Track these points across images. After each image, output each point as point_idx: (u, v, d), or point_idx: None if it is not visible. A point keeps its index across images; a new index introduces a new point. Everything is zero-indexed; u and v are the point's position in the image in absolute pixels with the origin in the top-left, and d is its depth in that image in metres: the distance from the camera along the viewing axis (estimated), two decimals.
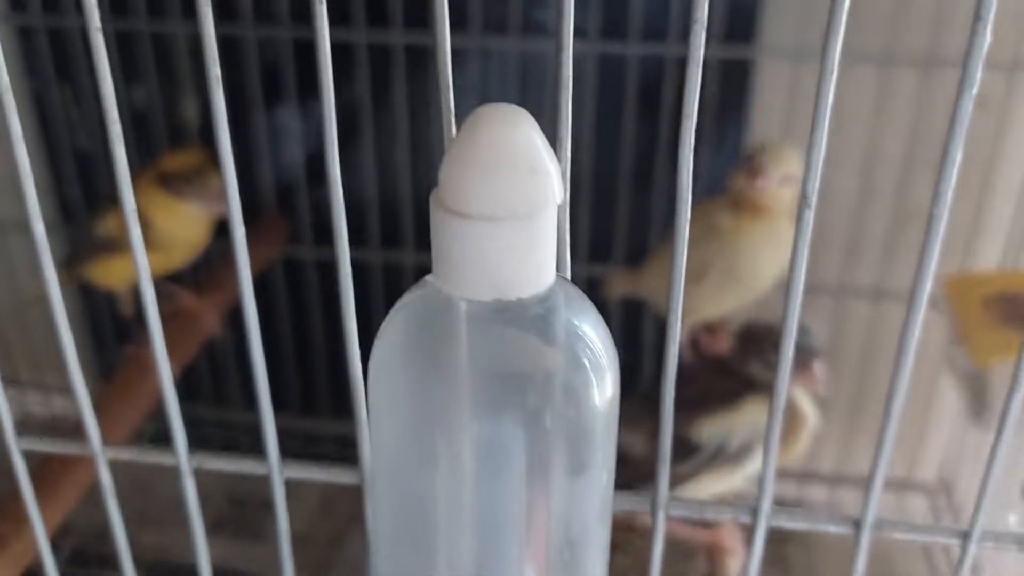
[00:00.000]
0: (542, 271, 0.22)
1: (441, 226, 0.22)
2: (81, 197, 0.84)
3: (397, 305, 0.24)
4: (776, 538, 0.84)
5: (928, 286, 0.27)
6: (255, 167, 0.82)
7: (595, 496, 0.24)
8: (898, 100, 0.71)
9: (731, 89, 0.72)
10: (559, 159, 0.24)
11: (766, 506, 0.29)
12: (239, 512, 0.84)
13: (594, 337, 0.23)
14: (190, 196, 0.60)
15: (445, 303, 0.23)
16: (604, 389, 0.23)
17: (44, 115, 0.82)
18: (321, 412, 0.90)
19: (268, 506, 0.32)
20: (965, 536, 0.29)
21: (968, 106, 0.24)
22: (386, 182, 0.79)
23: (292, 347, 0.87)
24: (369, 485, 0.31)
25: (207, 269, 0.72)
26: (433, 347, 0.23)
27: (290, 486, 0.32)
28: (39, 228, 0.29)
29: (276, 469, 0.31)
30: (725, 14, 0.70)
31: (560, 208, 0.26)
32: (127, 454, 0.32)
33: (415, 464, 0.24)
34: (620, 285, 0.70)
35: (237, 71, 0.77)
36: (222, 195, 0.60)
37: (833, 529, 0.29)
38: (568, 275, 0.27)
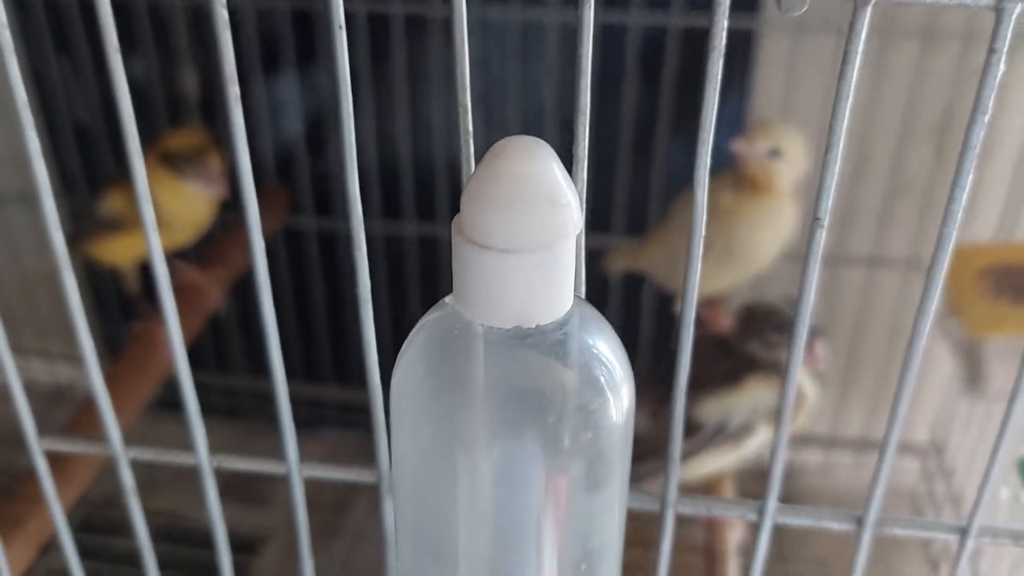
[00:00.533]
0: (561, 298, 0.23)
1: (462, 255, 0.22)
2: (81, 169, 0.84)
3: (417, 326, 0.25)
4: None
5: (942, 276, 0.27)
6: (255, 138, 0.81)
7: (612, 511, 0.25)
8: (895, 72, 0.71)
9: (734, 61, 0.72)
10: (576, 183, 0.25)
11: (772, 505, 0.30)
12: (246, 477, 0.86)
13: (610, 356, 0.24)
14: (192, 176, 0.60)
15: (465, 327, 0.23)
16: (620, 405, 0.24)
17: (42, 87, 0.82)
18: (324, 378, 0.91)
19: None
20: (963, 532, 0.30)
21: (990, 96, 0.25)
22: (386, 153, 0.79)
23: (294, 315, 0.88)
24: (386, 486, 0.32)
25: (210, 244, 0.72)
26: (453, 369, 0.24)
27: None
28: (50, 205, 0.29)
29: (295, 470, 0.32)
30: None
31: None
32: (148, 454, 0.33)
33: (436, 479, 0.25)
34: (621, 260, 0.71)
35: (235, 41, 0.76)
36: (223, 175, 0.60)
37: (836, 526, 0.31)
38: (583, 292, 0.28)
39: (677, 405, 0.30)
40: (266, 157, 0.82)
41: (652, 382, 0.56)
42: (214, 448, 0.33)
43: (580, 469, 0.24)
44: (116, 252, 0.64)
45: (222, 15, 0.25)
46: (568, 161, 0.26)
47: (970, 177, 0.26)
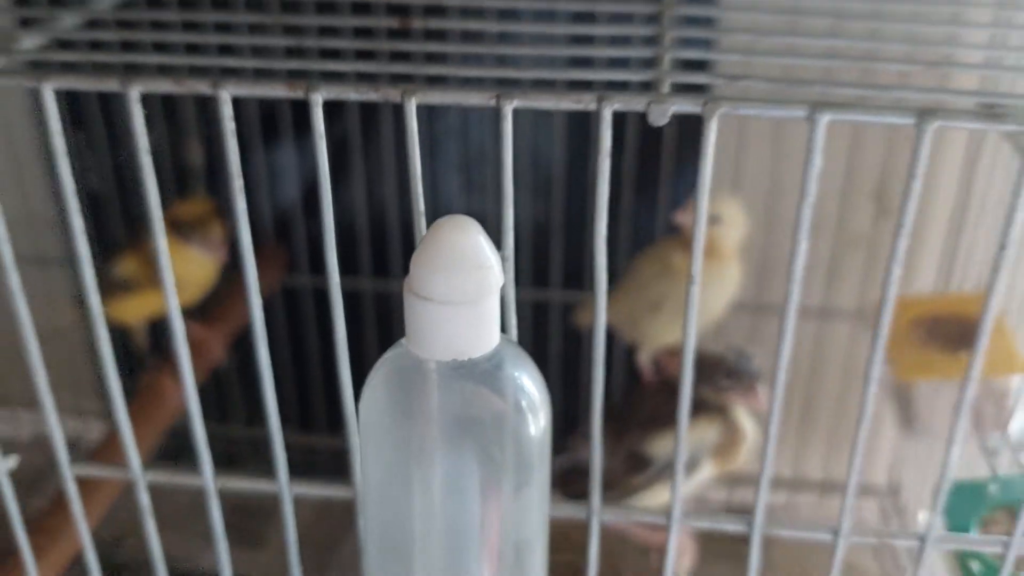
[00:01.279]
0: (489, 337, 0.29)
1: (411, 306, 0.29)
2: (93, 235, 0.91)
3: (378, 363, 0.31)
4: (736, 539, 0.92)
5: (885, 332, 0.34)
6: (255, 201, 0.89)
7: (535, 508, 0.31)
8: (834, 138, 0.78)
9: (687, 129, 0.80)
10: (502, 250, 0.31)
11: (760, 518, 0.36)
12: (241, 519, 0.91)
13: (531, 385, 0.31)
14: (197, 243, 0.67)
15: (416, 362, 0.30)
16: (539, 424, 0.31)
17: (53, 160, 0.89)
18: (318, 429, 0.97)
19: (268, 514, 0.39)
20: (922, 539, 0.36)
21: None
22: (375, 214, 0.87)
23: (291, 369, 0.94)
24: (360, 498, 0.38)
25: (213, 301, 0.79)
26: (408, 397, 0.30)
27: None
28: (88, 276, 0.36)
29: (285, 488, 0.38)
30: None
31: (503, 287, 0.33)
32: (163, 476, 0.39)
33: (396, 488, 0.31)
34: (589, 314, 0.77)
35: (237, 114, 0.84)
36: (224, 243, 0.67)
37: (817, 536, 0.36)
38: (514, 336, 0.34)
39: (594, 428, 0.36)
40: (265, 221, 0.89)
41: (611, 424, 0.62)
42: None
43: (508, 475, 0.30)
44: (128, 311, 0.70)
45: (229, 127, 0.32)
46: (545, 223, 0.33)
47: (905, 242, 0.33)
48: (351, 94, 0.31)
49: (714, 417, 0.59)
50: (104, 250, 0.82)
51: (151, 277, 0.69)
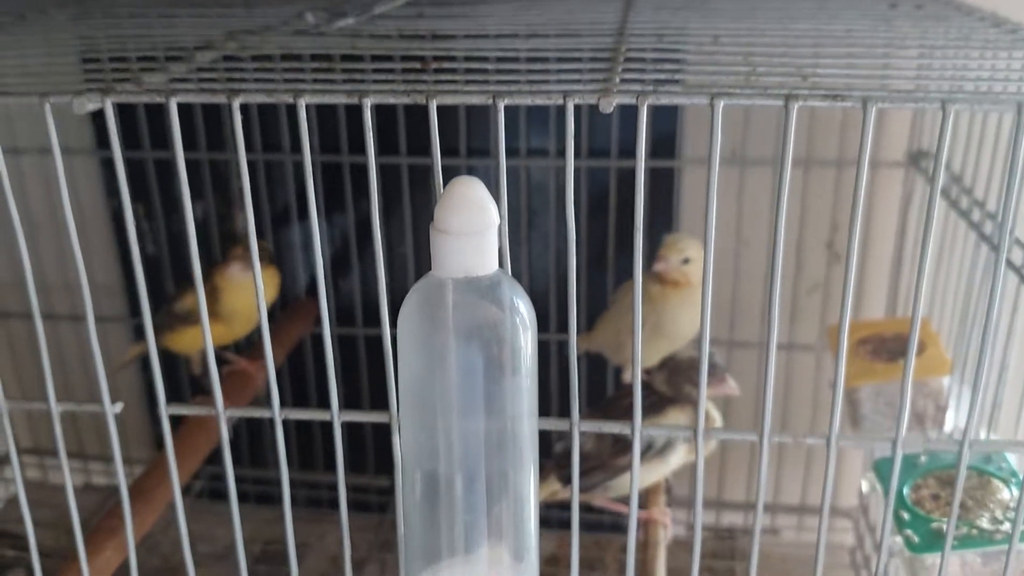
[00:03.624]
0: (489, 263, 0.41)
1: (435, 240, 0.41)
2: (149, 295, 1.04)
3: (411, 290, 0.43)
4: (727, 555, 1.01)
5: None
6: (291, 263, 1.02)
7: (525, 390, 0.42)
8: (790, 197, 0.92)
9: (661, 191, 0.93)
10: (498, 204, 0.43)
11: (767, 428, 0.47)
12: (271, 566, 1.00)
13: (522, 303, 0.42)
14: (247, 271, 0.80)
15: (438, 282, 0.42)
16: (527, 329, 0.42)
17: (119, 227, 1.03)
18: (351, 467, 1.07)
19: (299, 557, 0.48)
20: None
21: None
22: (396, 275, 0.99)
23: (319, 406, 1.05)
24: (395, 423, 0.49)
25: (257, 343, 0.91)
26: (432, 309, 0.42)
27: (308, 535, 0.47)
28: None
29: (336, 416, 0.50)
30: (652, 136, 0.92)
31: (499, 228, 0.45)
32: (241, 412, 0.51)
33: (423, 379, 0.42)
34: (580, 344, 0.89)
35: (279, 188, 0.98)
36: (276, 273, 0.80)
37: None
38: (509, 271, 0.46)
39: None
40: (299, 279, 1.02)
41: (596, 414, 0.73)
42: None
43: (504, 365, 0.42)
44: (188, 341, 0.82)
45: (304, 128, 0.44)
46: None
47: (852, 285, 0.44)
48: (391, 98, 0.44)
49: (685, 406, 0.70)
50: (157, 309, 0.94)
51: (210, 309, 0.81)
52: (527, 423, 0.44)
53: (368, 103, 0.44)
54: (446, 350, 0.42)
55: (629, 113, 0.87)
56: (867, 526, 0.99)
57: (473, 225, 0.40)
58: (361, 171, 0.96)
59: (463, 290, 0.42)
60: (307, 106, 0.45)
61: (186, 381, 1.01)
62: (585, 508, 0.68)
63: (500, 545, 0.47)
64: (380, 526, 1.03)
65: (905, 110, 0.87)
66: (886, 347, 0.82)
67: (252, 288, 0.82)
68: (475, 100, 0.43)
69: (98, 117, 0.99)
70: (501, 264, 0.43)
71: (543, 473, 0.72)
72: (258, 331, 0.87)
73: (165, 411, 0.52)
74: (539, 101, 0.43)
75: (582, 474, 0.71)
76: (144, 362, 1.11)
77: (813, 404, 0.98)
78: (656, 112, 0.91)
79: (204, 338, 0.73)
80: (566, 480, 0.71)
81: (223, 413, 0.51)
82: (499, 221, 0.41)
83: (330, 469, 1.08)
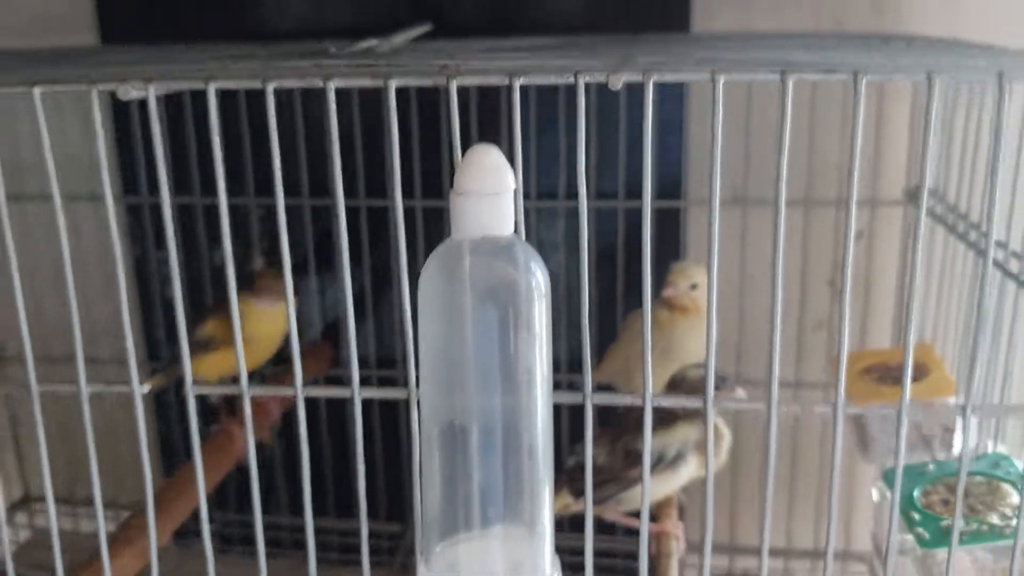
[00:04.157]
0: (505, 224, 0.44)
1: (454, 204, 0.44)
2: (165, 336, 1.07)
3: (432, 253, 0.45)
4: None
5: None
6: (309, 308, 1.05)
7: (537, 346, 0.44)
8: (791, 235, 0.95)
9: (667, 231, 0.96)
10: (514, 172, 0.46)
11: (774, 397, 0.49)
12: None
13: (536, 265, 0.45)
14: (267, 301, 0.82)
15: (456, 244, 0.44)
16: (540, 290, 0.44)
17: (142, 272, 1.07)
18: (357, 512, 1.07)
19: None
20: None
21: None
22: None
23: (331, 454, 1.06)
24: (413, 398, 0.51)
25: (274, 375, 0.93)
26: (450, 269, 0.44)
27: None
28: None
29: (356, 391, 0.51)
30: (658, 179, 0.96)
31: (515, 192, 0.48)
32: (316, 391, 0.52)
33: (443, 336, 0.44)
34: (597, 376, 0.91)
35: (297, 236, 1.02)
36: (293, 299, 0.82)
37: None
38: (523, 237, 0.49)
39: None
40: (315, 324, 1.05)
41: (608, 432, 0.74)
42: None
43: (519, 323, 0.44)
44: (208, 368, 0.84)
45: (332, 110, 0.47)
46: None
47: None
48: (412, 81, 0.47)
49: (695, 420, 0.71)
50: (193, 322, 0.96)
51: (229, 336, 0.83)
52: (540, 384, 0.45)
53: (392, 85, 0.47)
54: (463, 306, 0.44)
55: (635, 152, 0.91)
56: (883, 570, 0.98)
57: (489, 186, 0.43)
58: (377, 215, 0.99)
59: (480, 249, 0.44)
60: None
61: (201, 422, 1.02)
62: (599, 553, 0.69)
63: (515, 517, 0.48)
64: (389, 568, 1.03)
65: (902, 148, 0.91)
66: (891, 374, 0.83)
67: (272, 316, 0.85)
68: (493, 79, 0.46)
69: (125, 164, 1.04)
70: (517, 232, 0.45)
71: (555, 487, 0.72)
72: (275, 363, 0.90)
73: (192, 390, 0.53)
74: (552, 79, 0.46)
75: (594, 487, 0.71)
76: (158, 408, 1.13)
77: (820, 439, 0.99)
78: (662, 151, 0.95)
79: (229, 361, 0.75)
80: (578, 493, 0.71)
81: (300, 391, 0.53)
82: (515, 186, 0.44)
83: (339, 515, 1.08)
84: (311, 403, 1.06)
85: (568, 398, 0.51)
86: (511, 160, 0.48)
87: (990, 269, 0.50)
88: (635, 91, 0.47)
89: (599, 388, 0.93)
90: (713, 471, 0.72)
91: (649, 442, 0.52)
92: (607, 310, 0.99)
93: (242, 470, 1.06)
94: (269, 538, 1.09)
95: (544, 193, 0.98)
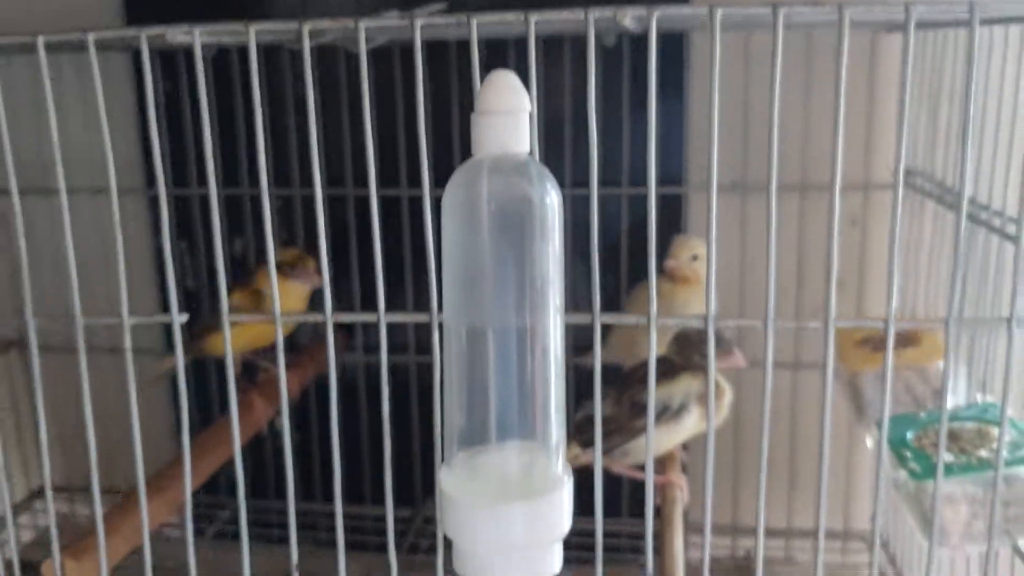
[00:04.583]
0: (521, 143, 0.48)
1: (475, 124, 0.48)
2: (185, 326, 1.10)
3: (456, 171, 0.49)
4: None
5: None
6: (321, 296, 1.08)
7: (551, 254, 0.48)
8: (785, 220, 0.99)
9: (669, 216, 1.01)
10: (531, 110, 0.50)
11: (771, 313, 0.52)
12: None
13: (549, 183, 0.49)
14: (293, 276, 0.86)
15: (477, 162, 0.48)
16: (553, 204, 0.48)
17: (161, 263, 1.10)
18: (364, 499, 1.10)
19: None
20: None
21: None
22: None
23: (342, 440, 1.08)
24: (435, 322, 0.55)
25: (291, 356, 0.97)
26: (471, 184, 0.48)
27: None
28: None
29: (383, 317, 0.55)
30: (660, 167, 1.00)
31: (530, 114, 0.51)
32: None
33: (463, 243, 0.48)
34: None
35: (310, 225, 1.06)
36: (317, 273, 0.86)
37: None
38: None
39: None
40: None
41: (614, 386, 0.77)
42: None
43: (536, 230, 0.48)
44: (231, 338, 0.88)
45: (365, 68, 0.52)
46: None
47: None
48: (438, 19, 0.52)
49: (697, 373, 0.75)
50: (193, 337, 1.00)
51: (254, 307, 0.87)
52: (553, 295, 0.49)
53: (418, 24, 0.52)
54: (482, 218, 0.48)
55: (638, 143, 0.95)
56: (884, 551, 1.00)
57: (507, 104, 0.47)
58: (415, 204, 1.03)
59: (498, 163, 0.48)
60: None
61: (216, 398, 1.06)
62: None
63: (529, 433, 0.52)
64: (398, 551, 1.05)
65: (893, 131, 0.95)
66: (882, 344, 0.87)
67: (294, 290, 0.89)
68: (510, 18, 0.51)
69: (148, 156, 1.08)
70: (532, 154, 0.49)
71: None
72: (288, 349, 0.93)
73: (227, 315, 0.57)
74: (564, 17, 0.51)
75: (601, 437, 0.75)
76: (174, 391, 1.16)
77: (819, 419, 1.01)
78: (664, 141, 1.00)
79: (252, 332, 0.78)
80: (587, 444, 0.75)
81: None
82: (530, 108, 0.48)
83: (351, 502, 1.11)
84: (323, 390, 1.10)
85: (578, 319, 0.55)
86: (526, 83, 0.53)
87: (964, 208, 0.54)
88: (640, 80, 0.52)
89: (605, 366, 0.96)
90: (715, 425, 0.76)
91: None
92: (612, 294, 1.02)
93: (254, 455, 1.09)
94: (278, 523, 1.13)
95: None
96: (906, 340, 0.85)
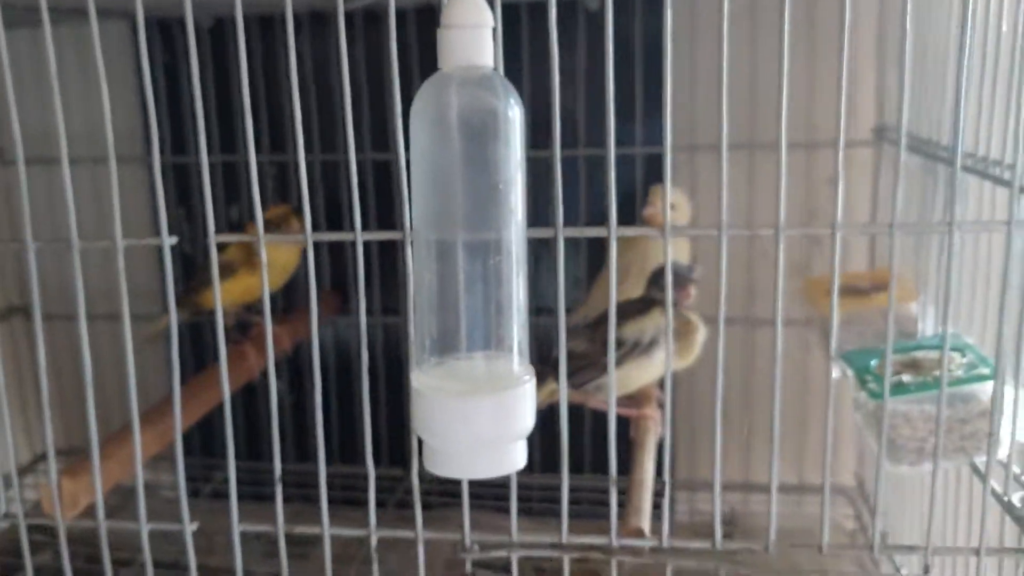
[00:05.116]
0: (485, 56, 0.51)
1: (441, 38, 0.51)
2: (182, 292, 1.14)
3: (424, 82, 0.52)
4: None
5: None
6: (319, 259, 1.12)
7: (515, 154, 0.51)
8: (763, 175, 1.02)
9: (656, 170, 1.04)
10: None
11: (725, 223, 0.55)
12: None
13: (512, 94, 0.52)
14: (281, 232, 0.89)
15: (444, 75, 0.51)
16: (515, 112, 0.51)
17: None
18: (360, 459, 1.13)
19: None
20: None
21: None
22: None
23: (336, 396, 1.12)
24: (408, 239, 0.58)
25: (283, 312, 1.00)
26: (439, 96, 0.51)
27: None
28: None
29: (359, 235, 0.58)
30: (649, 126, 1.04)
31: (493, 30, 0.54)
32: (280, 239, 0.59)
33: (431, 151, 0.51)
34: (580, 312, 0.97)
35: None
36: (302, 229, 0.89)
37: None
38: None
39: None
40: (326, 274, 1.12)
41: (588, 327, 0.80)
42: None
43: (500, 135, 0.51)
44: (227, 291, 0.91)
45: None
46: None
47: None
48: None
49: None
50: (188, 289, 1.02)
51: (247, 260, 0.90)
52: (516, 202, 0.52)
53: None
54: (450, 124, 0.51)
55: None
56: (866, 504, 1.02)
57: (470, 18, 0.50)
58: (387, 165, 1.06)
59: (463, 75, 0.51)
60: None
61: (212, 353, 1.09)
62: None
63: (495, 343, 0.54)
64: (384, 509, 1.07)
65: (870, 88, 0.98)
66: (858, 288, 0.90)
67: (287, 246, 0.92)
68: None
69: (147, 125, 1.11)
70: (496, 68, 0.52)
71: (542, 377, 0.78)
72: (285, 310, 0.96)
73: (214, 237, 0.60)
74: None
75: (575, 372, 0.77)
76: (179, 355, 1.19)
77: (803, 379, 1.04)
78: (648, 98, 1.03)
79: (246, 284, 0.81)
80: None
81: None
82: (492, 23, 0.51)
83: (347, 462, 1.13)
84: (320, 338, 1.13)
85: (540, 232, 0.57)
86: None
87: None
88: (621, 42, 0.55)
89: (588, 325, 0.99)
90: (688, 362, 0.79)
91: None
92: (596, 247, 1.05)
93: (248, 415, 1.12)
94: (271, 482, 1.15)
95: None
96: (878, 285, 0.88)
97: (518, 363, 0.54)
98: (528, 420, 0.54)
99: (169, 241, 0.61)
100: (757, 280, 1.05)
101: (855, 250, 1.01)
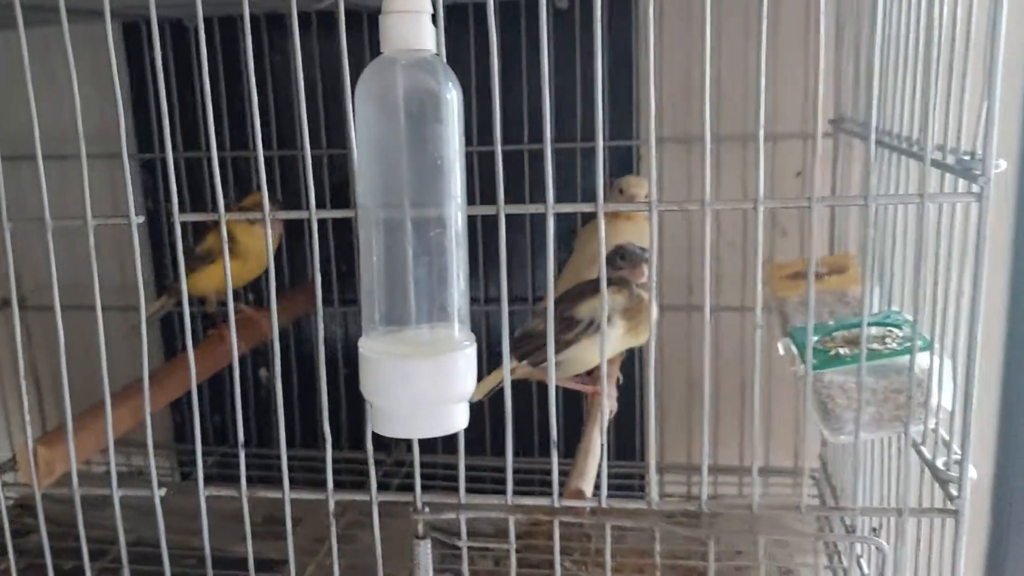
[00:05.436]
0: (426, 41, 0.55)
1: (383, 22, 0.54)
2: (171, 281, 1.18)
3: (365, 70, 0.56)
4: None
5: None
6: (303, 249, 1.16)
7: (453, 135, 0.55)
8: (731, 173, 1.05)
9: (620, 165, 1.07)
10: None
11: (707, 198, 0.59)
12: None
13: (450, 76, 0.55)
14: (259, 221, 0.93)
15: (387, 59, 0.55)
16: (453, 95, 0.55)
17: (153, 222, 1.18)
18: (340, 445, 1.16)
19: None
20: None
21: None
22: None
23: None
24: (359, 217, 0.61)
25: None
26: (382, 79, 0.55)
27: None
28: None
29: (313, 212, 0.61)
30: (613, 120, 1.07)
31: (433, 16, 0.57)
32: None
33: (377, 134, 0.55)
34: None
35: (294, 185, 1.13)
36: (279, 221, 0.93)
37: None
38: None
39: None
40: (308, 264, 1.16)
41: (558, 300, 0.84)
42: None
43: (440, 115, 0.54)
44: (207, 280, 0.95)
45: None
46: None
47: None
48: None
49: (621, 289, 0.80)
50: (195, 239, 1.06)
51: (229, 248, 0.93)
52: (456, 164, 0.55)
53: None
54: (391, 102, 0.55)
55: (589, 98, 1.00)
56: (829, 484, 1.05)
57: (409, 4, 0.54)
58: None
59: (404, 58, 0.55)
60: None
61: (201, 332, 1.13)
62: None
63: (439, 314, 0.58)
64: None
65: (829, 82, 1.01)
66: (804, 276, 0.93)
67: (260, 231, 0.95)
68: None
69: (140, 121, 1.16)
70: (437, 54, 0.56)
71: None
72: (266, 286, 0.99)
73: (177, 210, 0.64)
74: None
75: (532, 351, 0.81)
76: (165, 339, 1.22)
77: (768, 362, 1.06)
78: (614, 92, 1.06)
79: (221, 276, 0.85)
80: (522, 357, 0.81)
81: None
82: (431, 9, 0.55)
83: (308, 446, 1.17)
84: (302, 344, 1.17)
85: (484, 210, 0.61)
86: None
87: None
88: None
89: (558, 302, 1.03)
90: (640, 340, 0.81)
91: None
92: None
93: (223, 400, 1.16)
94: (261, 475, 1.19)
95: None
96: (835, 270, 0.91)
97: (459, 330, 0.58)
98: (467, 384, 0.57)
99: (136, 220, 0.65)
100: (723, 267, 1.08)
101: (815, 237, 1.04)
